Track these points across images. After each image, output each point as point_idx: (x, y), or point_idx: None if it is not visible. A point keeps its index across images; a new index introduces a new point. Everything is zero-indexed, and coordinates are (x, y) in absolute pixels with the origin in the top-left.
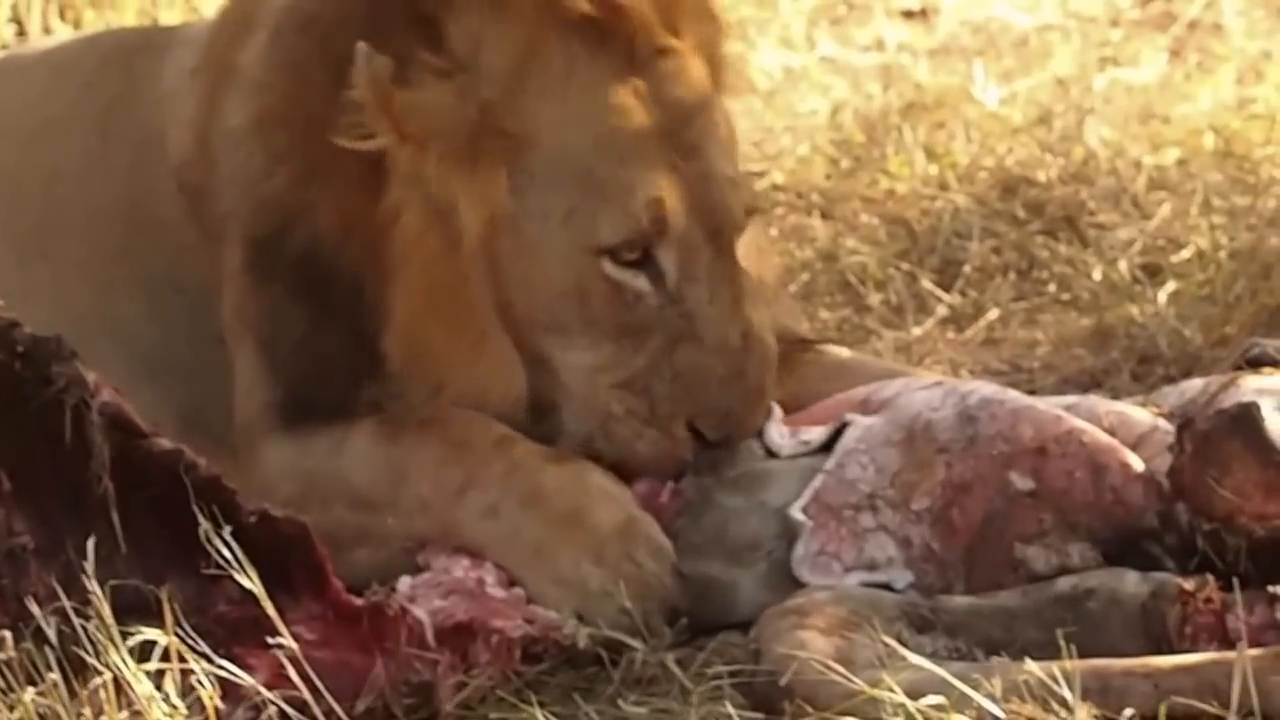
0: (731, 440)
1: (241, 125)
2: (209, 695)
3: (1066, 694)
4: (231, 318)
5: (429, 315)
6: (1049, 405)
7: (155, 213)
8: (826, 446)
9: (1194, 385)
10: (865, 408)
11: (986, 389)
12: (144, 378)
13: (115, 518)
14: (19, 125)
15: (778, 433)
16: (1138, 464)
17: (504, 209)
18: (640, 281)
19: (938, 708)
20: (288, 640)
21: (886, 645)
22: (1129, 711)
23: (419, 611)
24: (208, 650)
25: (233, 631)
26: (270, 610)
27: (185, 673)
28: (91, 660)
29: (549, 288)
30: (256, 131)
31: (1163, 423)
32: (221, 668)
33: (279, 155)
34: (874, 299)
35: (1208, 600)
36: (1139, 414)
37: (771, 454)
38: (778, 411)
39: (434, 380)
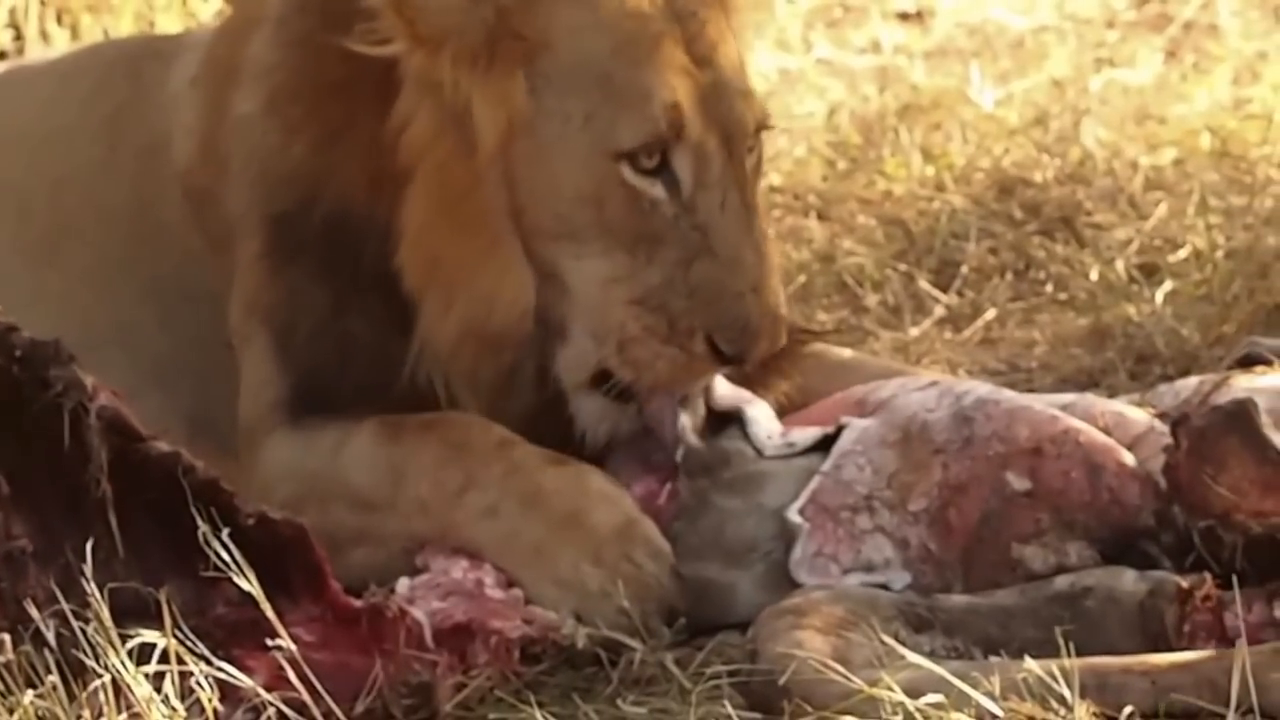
0: (748, 356)
1: (254, 109)
2: (208, 697)
3: (1065, 692)
4: (241, 317)
5: (440, 221)
6: (1045, 405)
7: (161, 218)
8: (820, 448)
9: (1188, 384)
10: (861, 409)
11: (982, 389)
12: (152, 384)
13: (113, 521)
14: (26, 134)
15: (765, 432)
16: (1134, 463)
17: (522, 112)
18: (656, 189)
19: (936, 706)
20: (286, 642)
21: (884, 644)
22: (1128, 709)
23: (418, 613)
24: (206, 652)
25: (231, 633)
26: (269, 612)
27: (184, 675)
28: (90, 663)
29: (565, 193)
30: (269, 110)
31: (1158, 422)
32: (220, 670)
33: (295, 127)
34: (871, 300)
35: (1205, 598)
36: (1135, 413)
37: (758, 452)
38: (766, 410)
39: (445, 290)
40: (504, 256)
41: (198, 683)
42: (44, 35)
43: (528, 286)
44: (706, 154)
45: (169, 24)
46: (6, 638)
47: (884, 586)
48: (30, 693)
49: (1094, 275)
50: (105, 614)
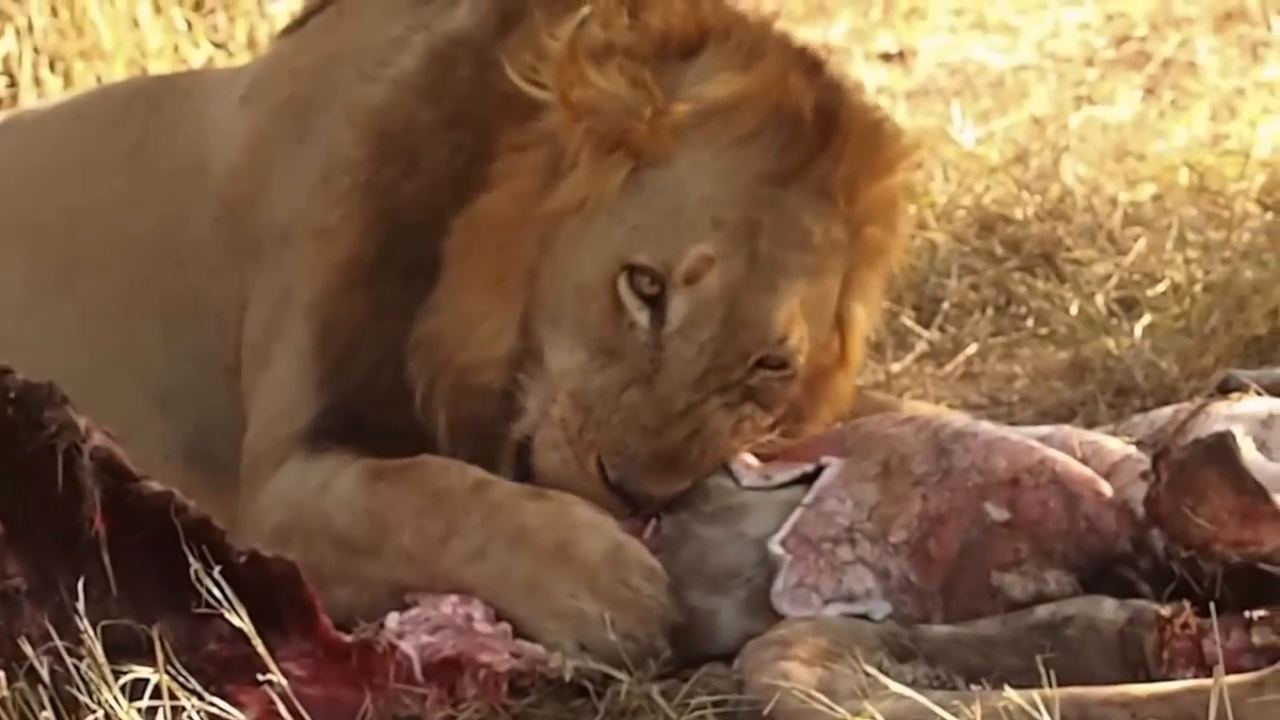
0: (628, 488)
1: (432, 119)
2: None
3: None
4: (264, 333)
5: (482, 235)
6: (1022, 436)
7: (187, 238)
8: (801, 484)
9: (1163, 414)
10: (842, 443)
11: (959, 421)
12: (156, 407)
13: (106, 559)
14: (39, 170)
15: (742, 466)
16: (1110, 492)
17: (600, 200)
18: (642, 315)
19: None
20: (278, 677)
21: (868, 674)
22: None
23: (407, 647)
24: (199, 688)
25: (224, 669)
26: (260, 648)
27: (177, 710)
28: (84, 699)
29: (571, 279)
30: (445, 127)
31: (1134, 451)
32: (213, 705)
33: (461, 146)
34: None
35: (1184, 626)
36: (1112, 443)
37: (736, 482)
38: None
39: (454, 285)
40: (499, 300)
41: (190, 718)
42: (37, 81)
43: (502, 341)
44: (703, 316)
45: (161, 69)
46: (2, 674)
47: (865, 617)
48: None
49: (1074, 310)
50: (99, 650)
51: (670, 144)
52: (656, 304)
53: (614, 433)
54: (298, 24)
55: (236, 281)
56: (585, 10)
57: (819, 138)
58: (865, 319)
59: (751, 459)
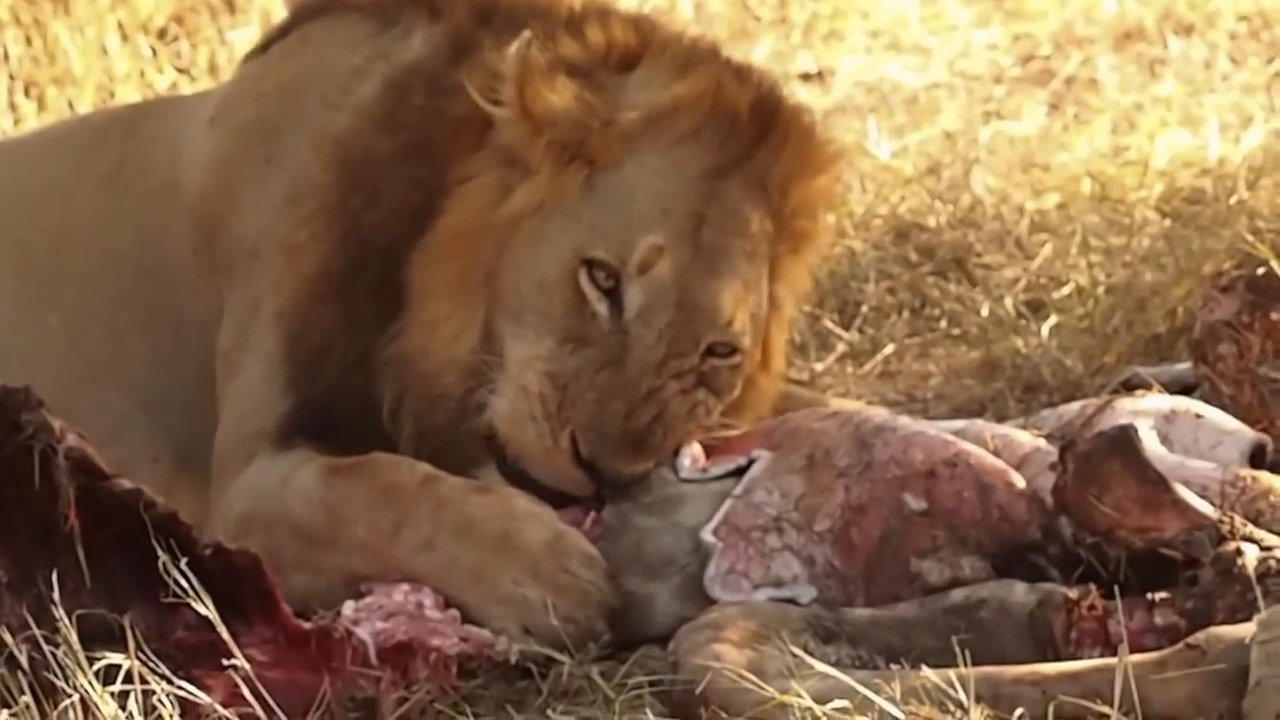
0: (600, 465)
1: (390, 150)
2: (170, 714)
3: (961, 697)
4: (236, 341)
5: (444, 245)
6: (938, 430)
7: (166, 253)
8: (734, 476)
9: (1071, 409)
10: (770, 438)
11: (879, 417)
12: (144, 413)
13: (81, 553)
14: (22, 194)
15: (686, 458)
16: (1021, 483)
17: (557, 202)
18: (601, 305)
19: (843, 711)
20: (242, 662)
21: (795, 655)
22: (1020, 710)
23: (362, 633)
24: (168, 673)
25: (191, 655)
26: (225, 635)
27: (147, 694)
28: (60, 684)
29: (533, 276)
30: (403, 160)
31: (1043, 443)
32: (181, 689)
33: (418, 180)
34: None
35: (1091, 607)
36: (1022, 436)
37: (676, 474)
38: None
39: (417, 299)
40: (459, 303)
41: (160, 701)
42: (13, 106)
43: (463, 341)
44: (659, 302)
45: (128, 94)
46: None
47: (792, 601)
48: (4, 712)
49: (984, 311)
50: (74, 639)
51: (620, 150)
52: (614, 295)
53: (589, 410)
54: (260, 49)
55: (214, 295)
56: (527, 34)
57: (756, 132)
58: (791, 304)
59: (698, 451)
